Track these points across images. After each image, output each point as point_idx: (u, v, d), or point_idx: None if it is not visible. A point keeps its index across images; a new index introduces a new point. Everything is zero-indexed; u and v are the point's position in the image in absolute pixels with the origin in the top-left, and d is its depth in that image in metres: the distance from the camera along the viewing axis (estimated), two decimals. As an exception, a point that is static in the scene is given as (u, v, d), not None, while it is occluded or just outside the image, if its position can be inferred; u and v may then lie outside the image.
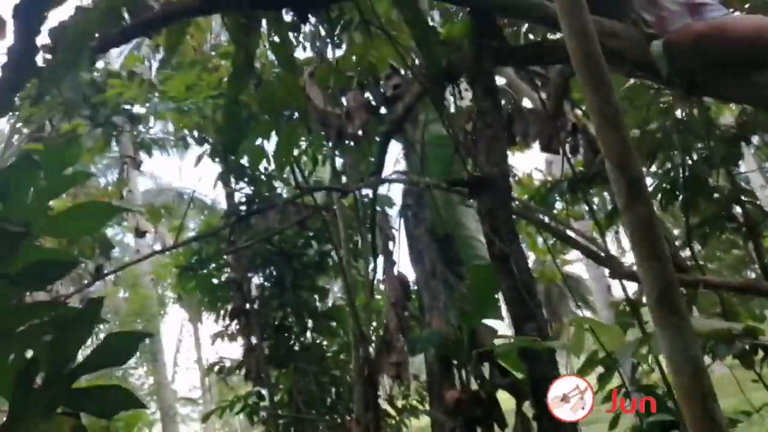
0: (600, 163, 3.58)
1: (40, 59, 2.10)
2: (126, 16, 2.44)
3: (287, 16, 2.87)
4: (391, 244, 4.52)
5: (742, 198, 3.50)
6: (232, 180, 5.43)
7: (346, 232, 4.02)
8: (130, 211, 6.45)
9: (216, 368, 5.87)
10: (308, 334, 5.82)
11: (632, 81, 3.55)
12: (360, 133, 4.17)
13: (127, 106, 5.72)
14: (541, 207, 4.37)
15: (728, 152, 3.62)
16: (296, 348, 5.66)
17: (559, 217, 4.39)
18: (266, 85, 2.98)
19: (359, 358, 3.66)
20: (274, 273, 5.67)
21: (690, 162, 3.55)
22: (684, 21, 1.97)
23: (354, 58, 3.27)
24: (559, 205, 4.89)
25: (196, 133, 5.32)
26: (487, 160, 2.31)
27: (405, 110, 3.38)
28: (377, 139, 4.02)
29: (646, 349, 3.18)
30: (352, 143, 4.21)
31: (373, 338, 5.57)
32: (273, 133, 3.69)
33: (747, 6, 3.01)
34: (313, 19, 3.61)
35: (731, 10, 2.08)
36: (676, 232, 6.15)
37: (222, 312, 6.01)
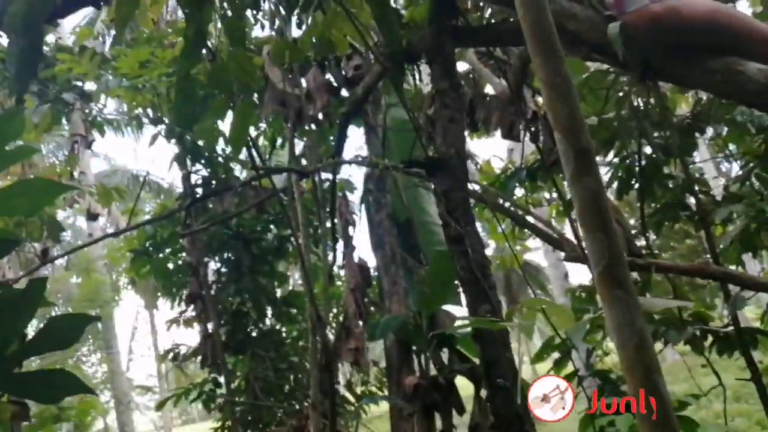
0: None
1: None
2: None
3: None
4: (351, 229, 4.46)
5: (696, 187, 3.56)
6: (188, 162, 5.27)
7: (305, 216, 3.94)
8: (77, 189, 6.21)
9: (171, 355, 5.74)
10: (267, 320, 5.74)
11: (592, 69, 3.57)
12: (321, 115, 4.09)
13: (78, 83, 5.49)
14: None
15: (683, 142, 3.68)
16: (254, 334, 5.57)
17: (518, 202, 4.41)
18: (218, 62, 2.87)
19: (316, 344, 3.60)
20: (232, 258, 5.56)
21: (646, 150, 3.59)
22: (642, 3, 1.96)
23: (313, 36, 3.18)
24: (519, 192, 4.92)
25: (150, 113, 5.14)
26: (444, 141, 2.27)
27: (365, 91, 3.32)
28: (338, 121, 3.95)
29: (600, 335, 3.22)
30: (312, 125, 4.13)
31: (333, 325, 5.54)
32: (230, 114, 3.59)
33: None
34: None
35: None
36: (631, 221, 6.27)
37: (178, 297, 5.88)
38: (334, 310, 5.86)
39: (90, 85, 5.67)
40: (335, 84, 4.03)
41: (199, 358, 5.34)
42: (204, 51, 3.60)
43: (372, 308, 4.88)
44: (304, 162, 4.37)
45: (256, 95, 3.69)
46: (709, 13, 1.87)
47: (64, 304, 13.89)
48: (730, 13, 1.92)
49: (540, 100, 4.22)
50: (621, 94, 3.50)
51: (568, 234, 3.22)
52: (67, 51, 5.42)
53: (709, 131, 4.22)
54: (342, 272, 4.90)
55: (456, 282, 3.43)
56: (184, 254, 5.63)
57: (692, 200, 3.55)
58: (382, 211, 4.39)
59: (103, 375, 14.13)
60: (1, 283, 4.37)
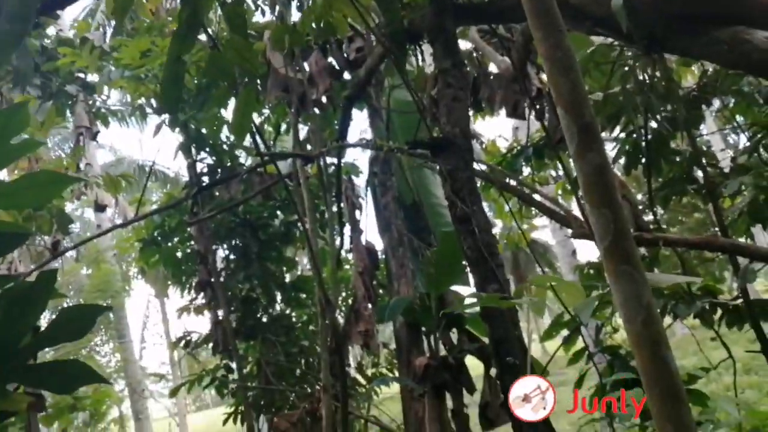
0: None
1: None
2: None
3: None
4: (357, 212, 4.47)
5: (703, 160, 3.53)
6: (194, 150, 5.27)
7: (311, 201, 3.94)
8: (84, 180, 6.23)
9: (183, 343, 5.79)
10: (276, 305, 5.78)
11: (596, 44, 3.52)
12: (324, 99, 4.07)
13: (81, 75, 5.48)
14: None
15: (689, 114, 3.64)
16: (264, 320, 5.61)
17: (524, 181, 4.39)
18: (216, 51, 2.85)
19: (326, 328, 3.63)
20: (240, 244, 5.58)
21: (652, 124, 3.55)
22: (645, -26, 1.93)
23: (313, 19, 3.15)
24: (526, 171, 4.90)
25: (153, 102, 5.14)
26: (448, 120, 2.26)
27: (367, 73, 3.30)
28: (342, 105, 3.93)
29: (609, 311, 3.21)
30: (315, 109, 4.11)
31: (342, 308, 5.57)
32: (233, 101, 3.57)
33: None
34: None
35: None
36: (639, 197, 6.23)
37: (188, 286, 5.92)
38: (343, 294, 5.89)
39: (93, 77, 5.67)
40: (338, 67, 4.00)
41: (211, 344, 5.39)
42: (205, 38, 3.59)
43: (380, 291, 4.90)
44: (308, 147, 4.36)
45: (258, 81, 3.68)
46: None
47: (76, 296, 14.02)
48: None
49: (544, 77, 4.18)
50: (626, 68, 3.46)
51: (575, 211, 3.21)
52: (69, 44, 5.41)
53: (716, 103, 4.17)
54: (350, 256, 4.91)
55: (464, 262, 3.43)
56: (192, 242, 5.66)
57: (700, 173, 3.52)
58: (388, 193, 4.38)
59: (117, 364, 14.30)
60: (13, 276, 4.41)
